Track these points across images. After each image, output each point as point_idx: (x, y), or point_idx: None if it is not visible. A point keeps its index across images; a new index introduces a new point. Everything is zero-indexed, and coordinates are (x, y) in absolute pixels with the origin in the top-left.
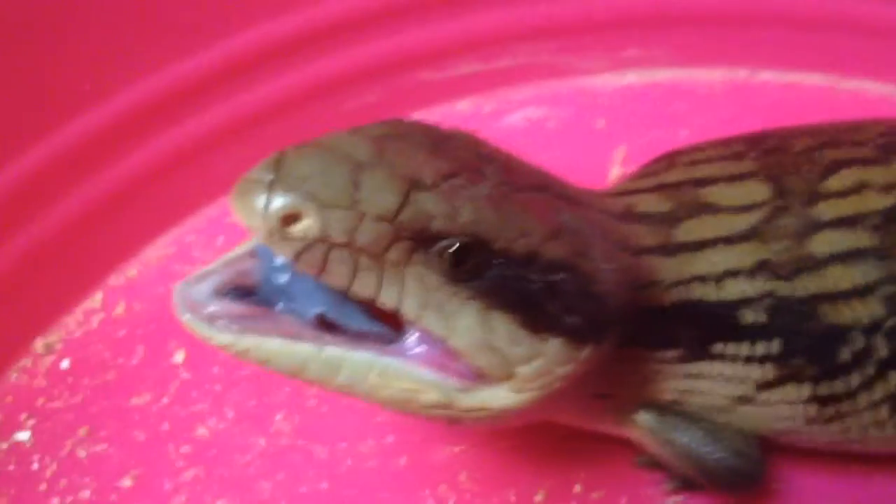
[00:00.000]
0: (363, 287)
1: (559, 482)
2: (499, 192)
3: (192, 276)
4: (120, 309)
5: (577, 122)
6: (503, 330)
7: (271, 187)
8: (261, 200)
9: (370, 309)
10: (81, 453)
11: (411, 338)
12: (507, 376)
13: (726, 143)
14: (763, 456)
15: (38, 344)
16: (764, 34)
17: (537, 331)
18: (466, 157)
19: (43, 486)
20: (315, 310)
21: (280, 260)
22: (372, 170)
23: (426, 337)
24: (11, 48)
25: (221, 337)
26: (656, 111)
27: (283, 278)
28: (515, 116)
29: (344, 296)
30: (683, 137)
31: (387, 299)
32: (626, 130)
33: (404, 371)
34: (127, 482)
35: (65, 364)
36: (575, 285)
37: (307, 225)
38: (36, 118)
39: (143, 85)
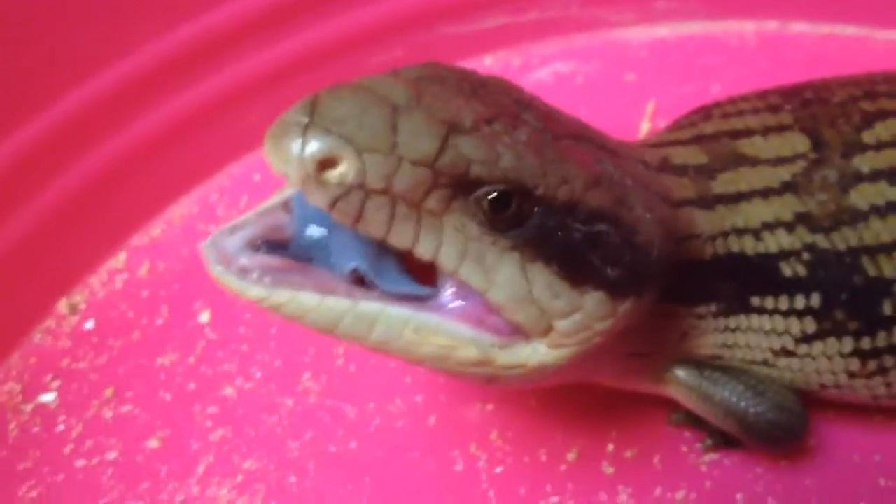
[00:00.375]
0: (400, 236)
1: (591, 441)
2: (539, 139)
3: (224, 228)
4: (144, 269)
5: (607, 76)
6: (543, 282)
7: (307, 130)
8: (296, 144)
9: (406, 264)
10: (107, 414)
11: (447, 293)
12: (545, 331)
13: (763, 95)
14: (805, 411)
15: (62, 304)
16: None
17: (577, 283)
18: (505, 103)
19: (69, 448)
20: (350, 265)
21: (313, 214)
22: (410, 113)
23: (462, 291)
24: (32, 6)
25: (254, 290)
26: (687, 65)
27: (316, 233)
28: (544, 71)
29: (379, 251)
30: (715, 91)
31: (424, 249)
32: (656, 84)
33: (441, 327)
34: (153, 443)
35: (89, 325)
36: (617, 236)
37: (344, 170)
38: (56, 77)
39: (164, 42)
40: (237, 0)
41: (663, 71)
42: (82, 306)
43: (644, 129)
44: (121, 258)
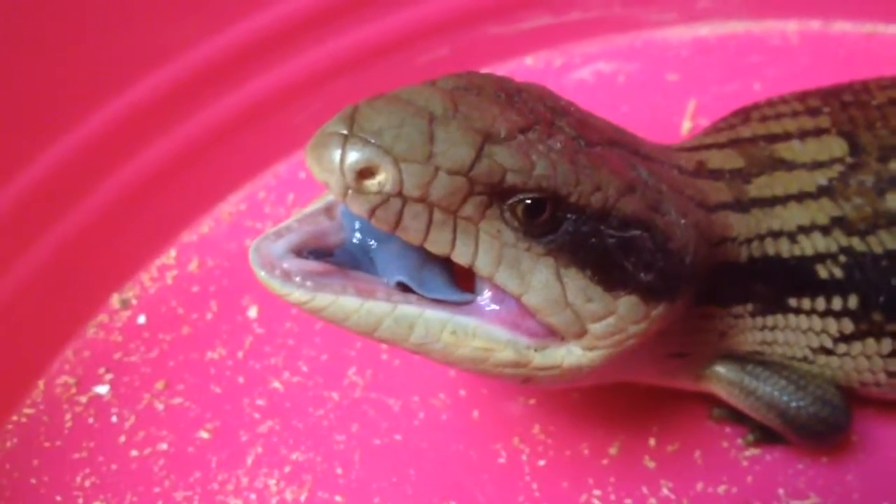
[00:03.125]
0: (437, 242)
1: (633, 435)
2: (573, 146)
3: (269, 233)
4: (193, 265)
5: (649, 75)
6: (577, 286)
7: (346, 141)
8: (336, 154)
9: (451, 269)
10: (159, 406)
11: (484, 297)
12: (580, 334)
13: (802, 97)
14: (848, 405)
15: (115, 300)
16: None
17: (611, 288)
18: (540, 111)
19: (122, 439)
20: (395, 277)
21: (360, 224)
22: (446, 123)
23: (499, 295)
24: (75, 16)
25: (296, 294)
26: (729, 64)
27: (363, 242)
28: (585, 71)
29: (424, 260)
30: (757, 90)
31: (461, 255)
32: (698, 84)
33: (478, 329)
34: (204, 434)
35: (141, 319)
36: (650, 241)
37: (382, 179)
38: (106, 79)
39: (212, 44)
40: (284, 2)
41: (705, 70)
42: (134, 301)
43: (686, 128)
44: (171, 255)
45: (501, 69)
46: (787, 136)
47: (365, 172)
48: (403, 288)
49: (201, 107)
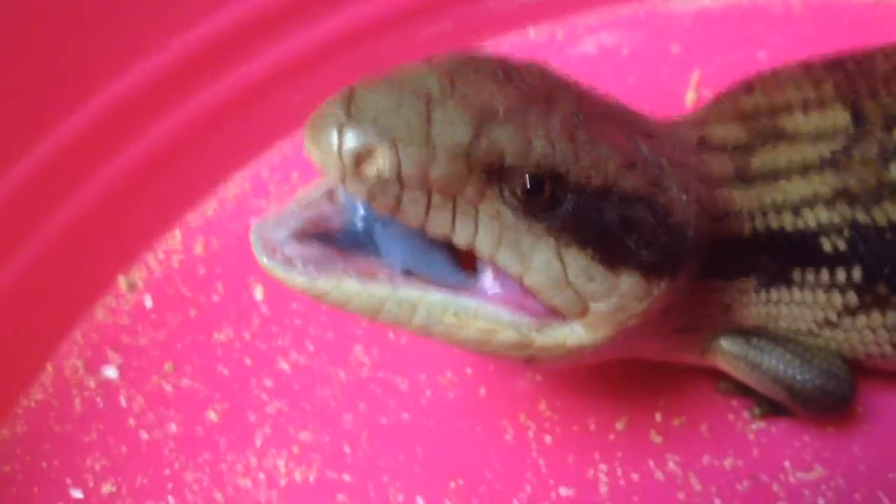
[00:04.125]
0: (437, 225)
1: (639, 410)
2: (572, 123)
3: (270, 217)
4: (199, 247)
5: (652, 46)
6: (578, 265)
7: (343, 126)
8: (333, 139)
9: (454, 253)
10: (167, 388)
11: (486, 278)
12: (582, 313)
13: (805, 67)
14: (853, 377)
15: (121, 282)
16: None
17: (612, 266)
18: (539, 88)
19: (131, 421)
20: (399, 262)
21: (363, 207)
22: (444, 103)
23: (501, 276)
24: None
25: (299, 279)
26: (733, 33)
27: (366, 225)
28: (588, 43)
29: (428, 242)
30: (761, 60)
31: (461, 237)
32: (701, 54)
33: (480, 310)
34: (212, 415)
35: (148, 302)
36: (651, 218)
37: (380, 163)
38: (108, 60)
39: (214, 20)
40: None
41: (708, 41)
42: (140, 284)
43: (690, 99)
44: (176, 237)
45: (504, 42)
46: (789, 108)
47: (362, 157)
48: (407, 270)
49: (202, 87)
